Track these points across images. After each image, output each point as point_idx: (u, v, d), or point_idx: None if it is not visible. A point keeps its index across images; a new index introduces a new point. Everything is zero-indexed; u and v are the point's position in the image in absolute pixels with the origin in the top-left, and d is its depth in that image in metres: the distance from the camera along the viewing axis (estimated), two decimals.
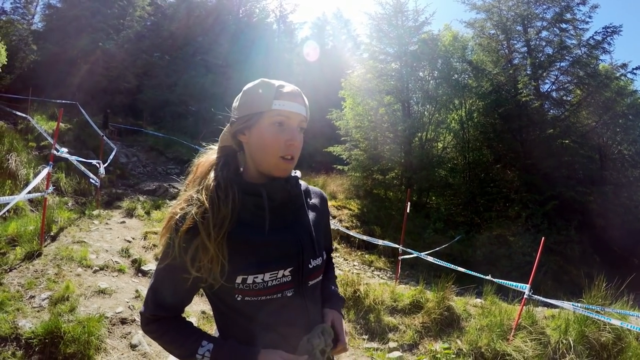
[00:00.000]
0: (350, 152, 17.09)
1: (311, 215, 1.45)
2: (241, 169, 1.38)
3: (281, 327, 1.27)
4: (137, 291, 4.93)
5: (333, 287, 1.62)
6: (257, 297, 1.23)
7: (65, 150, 6.92)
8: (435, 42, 17.67)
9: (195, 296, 1.33)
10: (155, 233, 7.07)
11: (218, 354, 1.19)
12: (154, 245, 6.62)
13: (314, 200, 1.52)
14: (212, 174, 1.30)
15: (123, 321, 4.22)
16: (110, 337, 3.94)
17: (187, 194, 1.28)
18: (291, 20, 34.28)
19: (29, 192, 5.38)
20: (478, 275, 5.85)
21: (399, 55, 17.41)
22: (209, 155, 1.40)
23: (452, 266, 6.15)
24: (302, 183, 1.47)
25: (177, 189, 11.28)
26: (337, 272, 6.74)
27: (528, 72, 16.92)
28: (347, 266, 9.67)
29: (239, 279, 1.20)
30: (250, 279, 1.20)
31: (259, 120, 1.26)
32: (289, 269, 1.28)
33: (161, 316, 1.27)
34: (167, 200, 10.03)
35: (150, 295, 1.28)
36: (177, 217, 1.21)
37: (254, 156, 1.30)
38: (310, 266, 1.35)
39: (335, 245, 11.12)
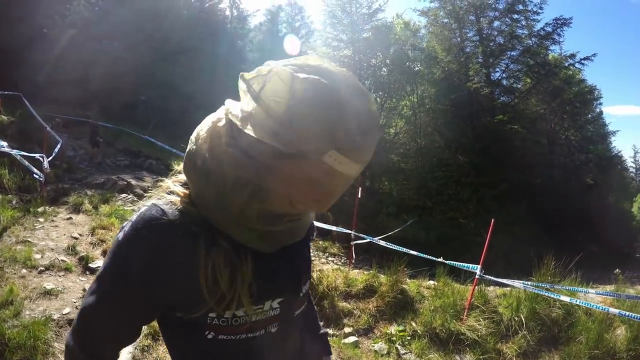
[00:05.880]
0: None
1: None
2: None
3: None
4: (84, 290, 4.66)
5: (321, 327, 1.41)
6: (235, 336, 0.88)
7: (5, 144, 6.42)
8: (389, 29, 17.73)
9: None
10: (104, 228, 6.75)
11: None
12: (102, 241, 6.32)
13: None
14: None
15: (70, 323, 3.93)
16: (58, 340, 3.70)
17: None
18: (244, 7, 33.66)
19: None
20: (430, 257, 5.87)
21: (352, 42, 17.39)
22: None
23: (404, 249, 6.11)
24: None
25: (125, 181, 10.90)
26: None
27: (479, 60, 17.28)
28: None
29: (212, 313, 0.86)
30: (228, 313, 0.86)
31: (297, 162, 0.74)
32: (279, 300, 0.93)
33: (94, 353, 0.91)
34: (116, 193, 9.71)
35: (85, 322, 0.91)
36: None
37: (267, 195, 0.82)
38: (301, 294, 1.02)
39: None
